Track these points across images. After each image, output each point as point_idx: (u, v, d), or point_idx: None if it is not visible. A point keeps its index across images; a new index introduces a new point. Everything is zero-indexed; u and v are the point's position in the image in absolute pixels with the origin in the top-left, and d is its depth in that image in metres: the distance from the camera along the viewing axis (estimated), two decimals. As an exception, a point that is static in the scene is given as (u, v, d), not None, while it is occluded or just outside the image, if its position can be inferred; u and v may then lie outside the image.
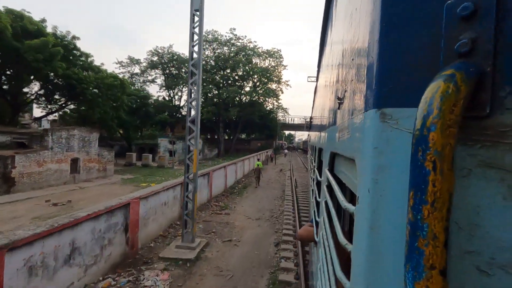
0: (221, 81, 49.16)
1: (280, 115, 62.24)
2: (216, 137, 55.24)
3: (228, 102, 51.52)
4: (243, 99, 54.15)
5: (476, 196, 0.46)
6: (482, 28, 0.45)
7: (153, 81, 56.49)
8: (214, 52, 49.72)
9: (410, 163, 0.42)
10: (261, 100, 55.99)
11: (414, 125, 0.43)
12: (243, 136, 76.13)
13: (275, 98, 58.87)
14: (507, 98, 0.44)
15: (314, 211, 2.45)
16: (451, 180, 0.38)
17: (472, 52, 0.46)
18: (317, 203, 2.30)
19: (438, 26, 0.51)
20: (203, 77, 47.42)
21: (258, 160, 24.92)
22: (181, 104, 56.40)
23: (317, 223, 2.10)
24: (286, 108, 61.50)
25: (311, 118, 12.61)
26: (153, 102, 49.73)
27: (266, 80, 53.71)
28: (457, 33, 0.48)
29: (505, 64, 0.44)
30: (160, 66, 54.47)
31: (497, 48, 0.44)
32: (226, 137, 62.38)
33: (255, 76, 51.44)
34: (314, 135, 6.13)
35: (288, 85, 56.06)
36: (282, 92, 56.99)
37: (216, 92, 48.49)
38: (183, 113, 58.49)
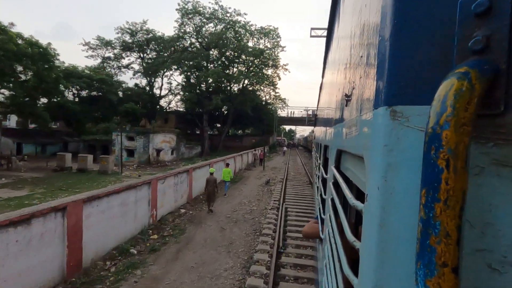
0: (204, 63, 38.39)
1: (278, 106, 51.43)
2: (200, 132, 45.02)
3: (214, 90, 40.97)
4: (233, 86, 43.52)
5: (489, 194, 0.45)
6: (497, 25, 0.43)
7: (128, 66, 46.11)
8: (197, 29, 39.00)
9: (423, 161, 0.41)
10: (254, 87, 45.26)
11: (427, 122, 0.41)
12: (240, 132, 66.01)
13: (271, 87, 48.20)
14: None
15: (320, 208, 2.47)
16: (464, 178, 0.37)
17: (486, 50, 0.44)
18: (323, 200, 2.26)
19: (451, 23, 0.50)
20: (186, 61, 36.93)
21: (228, 165, 14.39)
22: (163, 94, 46.00)
23: (322, 220, 2.07)
24: (285, 99, 50.64)
25: (316, 115, 11.32)
26: (120, 89, 39.33)
27: (260, 64, 42.97)
28: (471, 30, 0.46)
29: None
30: (136, 48, 44.00)
31: None
32: (214, 133, 51.98)
33: (246, 58, 40.71)
34: (319, 132, 5.62)
35: (286, 69, 45.23)
36: (280, 79, 46.12)
37: (196, 75, 37.72)
38: (168, 105, 48.45)
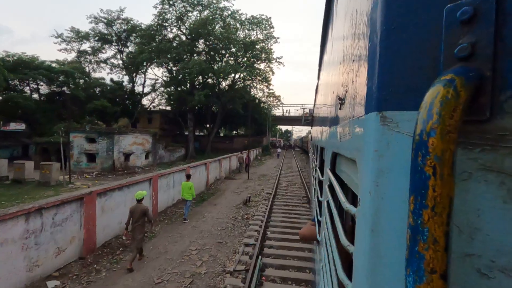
0: (187, 55, 33.19)
1: (272, 104, 46.25)
2: (186, 133, 39.76)
3: (202, 86, 35.88)
4: (221, 82, 38.43)
5: (476, 199, 0.45)
6: (481, 32, 0.44)
7: (106, 61, 40.90)
8: (179, 16, 33.83)
9: (411, 167, 0.41)
10: (245, 83, 40.19)
11: (414, 129, 0.42)
12: (234, 132, 60.68)
13: (264, 83, 43.15)
14: (507, 102, 0.43)
15: (316, 210, 2.41)
16: (451, 185, 0.37)
17: (471, 57, 0.44)
18: (319, 203, 2.24)
19: (439, 29, 0.49)
20: (165, 52, 31.70)
21: (189, 178, 9.50)
22: (146, 92, 40.74)
23: (319, 222, 2.05)
24: (279, 96, 45.58)
25: (312, 116, 11.02)
26: (88, 84, 34.05)
27: (251, 57, 37.94)
28: (457, 37, 0.46)
29: (505, 68, 0.43)
30: (115, 41, 38.81)
31: (496, 52, 0.43)
32: (204, 134, 46.90)
33: (235, 50, 35.63)
34: (316, 134, 5.38)
35: (280, 62, 40.18)
36: (273, 73, 41.10)
37: (175, 69, 32.49)
38: (151, 103, 43.20)
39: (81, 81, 33.57)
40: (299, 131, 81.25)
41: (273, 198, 12.32)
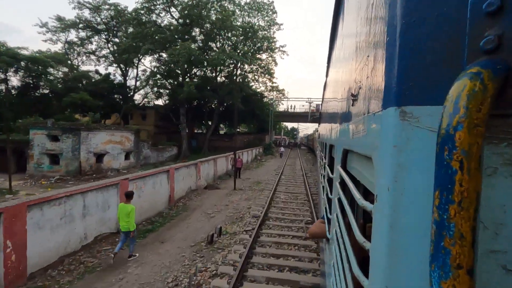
0: (176, 39, 28.81)
1: (275, 99, 41.47)
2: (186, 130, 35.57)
3: (191, 76, 31.56)
4: (218, 74, 34.06)
5: (502, 195, 0.44)
6: (509, 24, 0.42)
7: (95, 53, 37.02)
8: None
9: (436, 162, 0.40)
10: (244, 72, 35.69)
11: (439, 124, 0.40)
12: (239, 130, 56.28)
13: (267, 76, 38.54)
14: None
15: (326, 208, 2.38)
16: (478, 179, 0.36)
17: (498, 49, 0.43)
18: (329, 200, 2.18)
19: (461, 22, 0.48)
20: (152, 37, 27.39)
21: (129, 197, 5.29)
22: (139, 86, 36.59)
23: (329, 219, 2.01)
24: (283, 90, 40.85)
25: (320, 113, 10.26)
26: (65, 76, 30.14)
27: (251, 46, 33.41)
28: (482, 29, 0.44)
29: None
30: (105, 31, 34.83)
31: None
32: (200, 131, 42.73)
33: (232, 37, 31.12)
34: (324, 131, 5.22)
35: (284, 51, 35.50)
36: (276, 64, 36.43)
37: (164, 57, 28.08)
38: (144, 98, 39.14)
39: (60, 72, 29.73)
40: (305, 129, 76.21)
41: (261, 225, 7.84)
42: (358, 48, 1.09)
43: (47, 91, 27.37)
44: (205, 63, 28.62)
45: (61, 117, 23.34)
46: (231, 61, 31.99)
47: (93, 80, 31.88)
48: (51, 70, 28.24)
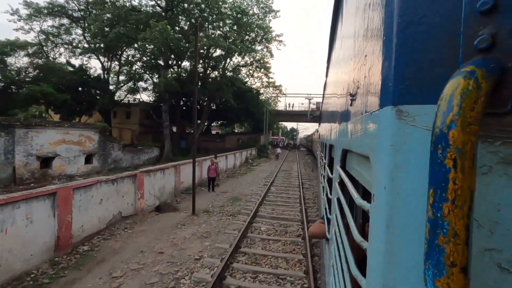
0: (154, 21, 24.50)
1: (269, 92, 36.96)
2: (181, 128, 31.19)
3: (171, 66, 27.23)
4: (207, 68, 29.82)
5: (496, 193, 0.44)
6: (502, 23, 0.42)
7: (71, 43, 32.82)
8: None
9: (430, 160, 0.39)
10: (236, 65, 31.43)
11: (433, 122, 0.40)
12: (237, 129, 51.62)
13: (263, 70, 34.21)
14: None
15: (326, 208, 2.35)
16: (472, 177, 0.36)
17: (492, 48, 0.43)
18: (329, 200, 2.16)
19: (456, 21, 0.47)
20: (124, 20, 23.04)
21: None
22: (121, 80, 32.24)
23: (328, 220, 1.99)
24: (280, 86, 36.46)
25: (320, 114, 10.35)
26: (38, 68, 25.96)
27: (244, 35, 29.14)
28: (477, 28, 0.44)
29: None
30: (83, 19, 30.59)
31: None
32: (191, 131, 38.34)
33: (221, 23, 26.78)
34: (324, 132, 5.23)
35: (280, 41, 31.15)
36: (272, 56, 32.08)
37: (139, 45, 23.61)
38: (127, 94, 34.81)
39: (22, 62, 25.54)
40: (305, 129, 71.79)
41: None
42: (356, 47, 1.09)
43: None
44: (186, 51, 24.20)
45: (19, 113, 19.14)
46: (221, 51, 27.71)
47: (63, 73, 27.60)
48: (7, 58, 24.04)
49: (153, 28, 19.00)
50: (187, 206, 9.66)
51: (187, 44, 22.45)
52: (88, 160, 19.01)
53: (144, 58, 25.58)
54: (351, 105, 1.14)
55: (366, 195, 0.83)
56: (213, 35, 25.05)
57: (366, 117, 0.77)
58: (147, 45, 20.97)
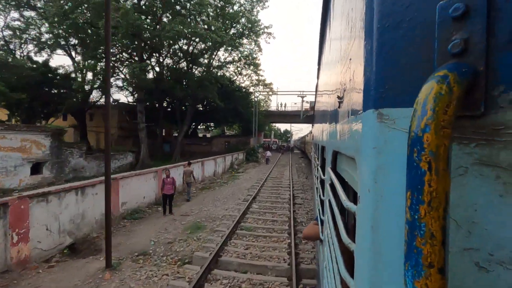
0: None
1: (259, 91, 33.78)
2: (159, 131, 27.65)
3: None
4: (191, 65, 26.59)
5: (473, 194, 0.44)
6: (474, 28, 0.43)
7: (39, 39, 29.17)
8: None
9: (407, 163, 0.40)
10: (222, 61, 28.29)
11: (409, 126, 0.41)
12: (230, 131, 48.08)
13: (252, 67, 31.13)
14: (501, 96, 0.42)
15: (319, 210, 2.34)
16: (447, 179, 0.36)
17: (464, 52, 0.43)
18: (322, 202, 2.15)
19: (431, 26, 0.48)
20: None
21: None
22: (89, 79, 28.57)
23: (322, 221, 1.98)
24: (271, 84, 33.32)
25: (313, 115, 9.34)
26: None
27: (228, 26, 26.08)
28: (450, 33, 0.45)
29: (498, 63, 0.42)
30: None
31: (489, 47, 0.42)
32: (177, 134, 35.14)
33: (204, 14, 23.56)
34: (317, 133, 5.05)
35: (270, 33, 28.09)
36: (260, 50, 29.00)
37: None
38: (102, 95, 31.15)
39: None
40: (299, 131, 68.80)
41: None
42: (342, 51, 1.10)
43: None
44: (164, 43, 20.90)
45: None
46: (203, 44, 24.50)
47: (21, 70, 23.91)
48: None
49: (114, 12, 15.64)
50: (119, 243, 6.31)
51: (156, 32, 19.04)
52: (36, 169, 15.48)
53: (113, 50, 22.08)
54: (339, 107, 1.16)
55: (356, 197, 0.79)
56: (192, 23, 21.82)
57: (352, 119, 0.78)
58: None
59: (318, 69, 4.68)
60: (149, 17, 21.10)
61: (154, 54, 24.73)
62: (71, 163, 17.95)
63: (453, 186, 0.37)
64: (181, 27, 18.21)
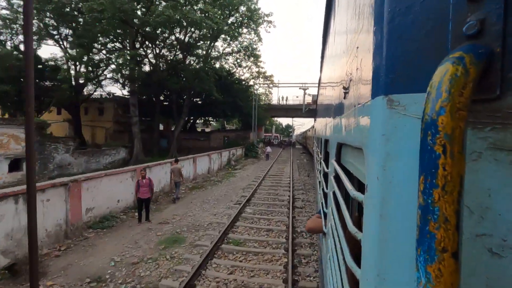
0: None
1: (259, 83, 32.16)
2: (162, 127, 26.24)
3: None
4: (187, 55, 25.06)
5: (487, 179, 0.43)
6: (490, 9, 0.41)
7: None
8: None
9: (420, 147, 0.39)
10: (221, 52, 26.74)
11: (423, 109, 0.39)
12: (234, 126, 46.61)
13: (252, 59, 29.54)
14: None
15: (322, 203, 2.33)
16: (461, 163, 0.35)
17: (480, 34, 0.42)
18: (325, 195, 2.16)
19: (445, 8, 0.47)
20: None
21: None
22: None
23: (325, 214, 2.01)
24: (271, 76, 31.69)
25: (316, 109, 9.96)
26: None
27: (227, 14, 24.46)
28: (465, 15, 0.44)
29: None
30: None
31: (506, 28, 0.40)
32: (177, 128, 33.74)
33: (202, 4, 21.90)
34: (320, 127, 5.01)
35: (270, 22, 26.39)
36: (261, 40, 27.37)
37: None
38: (96, 87, 29.77)
39: None
40: (300, 126, 67.12)
41: None
42: (349, 40, 1.08)
43: None
44: (157, 30, 19.36)
45: None
46: (199, 32, 22.93)
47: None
48: None
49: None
50: (70, 264, 4.99)
51: (146, 18, 17.49)
52: (16, 166, 14.27)
53: (101, 39, 20.62)
54: (344, 98, 1.15)
55: (361, 187, 0.80)
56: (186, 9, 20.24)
57: (359, 109, 0.77)
58: (93, 15, 15.98)
59: (321, 63, 4.58)
60: (141, 3, 19.57)
61: (148, 44, 23.20)
62: (56, 159, 16.72)
63: (466, 171, 0.36)
64: (172, 11, 16.64)
